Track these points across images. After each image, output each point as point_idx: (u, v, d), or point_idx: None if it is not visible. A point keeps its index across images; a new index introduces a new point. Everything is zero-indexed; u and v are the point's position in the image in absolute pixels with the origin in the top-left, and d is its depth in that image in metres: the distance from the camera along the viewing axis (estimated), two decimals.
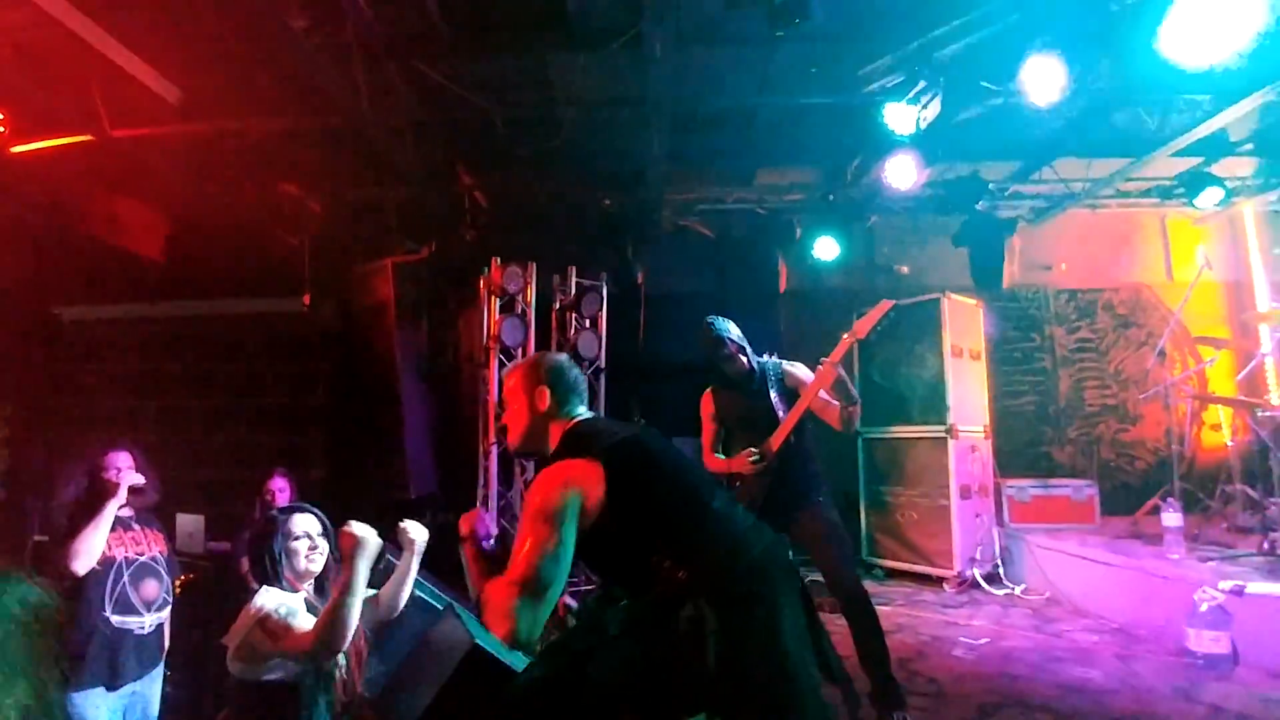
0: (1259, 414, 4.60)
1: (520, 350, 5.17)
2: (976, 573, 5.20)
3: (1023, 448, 6.19)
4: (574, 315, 5.31)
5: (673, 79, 4.05)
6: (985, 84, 3.66)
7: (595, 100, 4.66)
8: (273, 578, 2.00)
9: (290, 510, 2.11)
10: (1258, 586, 3.50)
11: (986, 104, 3.83)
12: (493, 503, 5.13)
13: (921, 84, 3.55)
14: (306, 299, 6.40)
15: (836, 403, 3.01)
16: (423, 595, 2.75)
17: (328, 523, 2.12)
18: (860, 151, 5.00)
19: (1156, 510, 4.56)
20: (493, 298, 5.08)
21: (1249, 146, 5.29)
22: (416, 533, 2.22)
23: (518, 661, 2.52)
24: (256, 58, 4.10)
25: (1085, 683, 3.35)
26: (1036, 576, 5.07)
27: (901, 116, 3.71)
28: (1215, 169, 5.55)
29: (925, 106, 3.56)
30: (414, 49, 4.30)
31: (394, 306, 6.07)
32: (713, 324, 3.13)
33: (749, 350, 3.15)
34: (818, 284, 5.97)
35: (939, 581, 5.27)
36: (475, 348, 5.44)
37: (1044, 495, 5.48)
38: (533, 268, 5.15)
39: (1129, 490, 5.68)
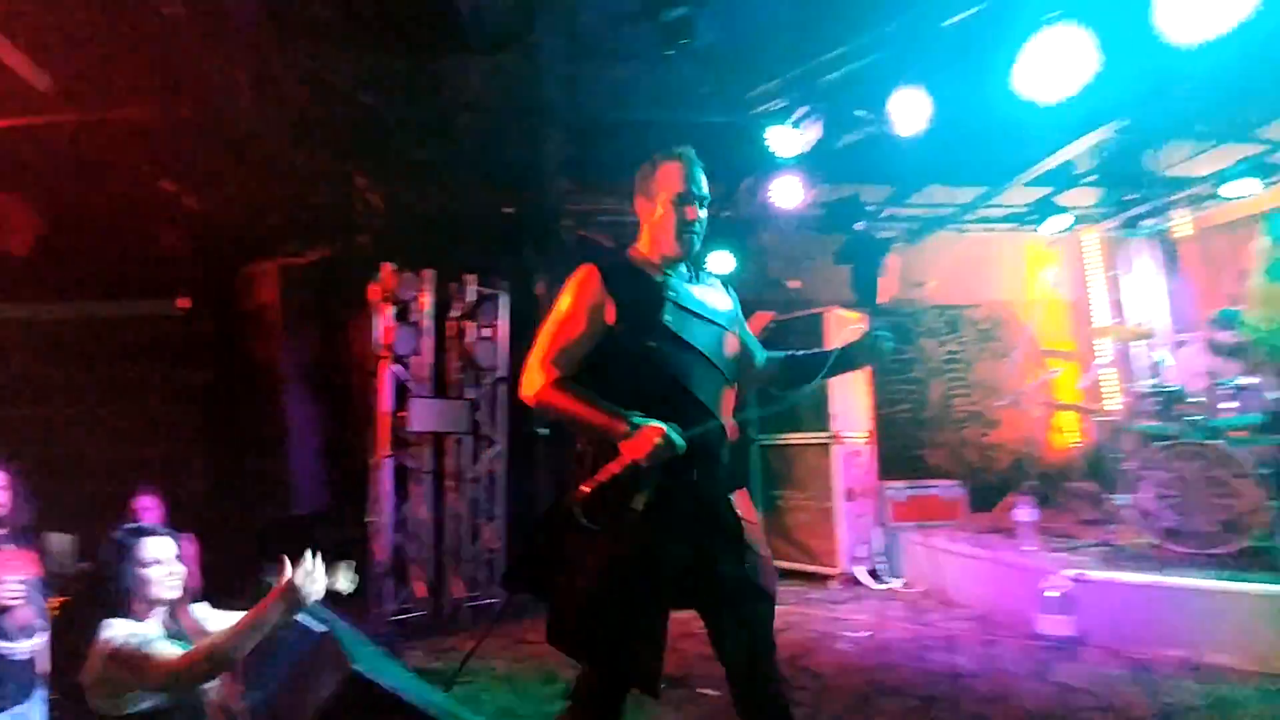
0: (1097, 419, 5.06)
1: (414, 359, 4.93)
2: (860, 570, 5.40)
3: (900, 451, 6.51)
4: (472, 324, 5.12)
5: (568, 90, 4.01)
6: (861, 112, 3.84)
7: (492, 106, 4.54)
8: (120, 607, 1.83)
9: (138, 533, 1.94)
10: (1097, 574, 3.81)
11: (863, 131, 4.02)
12: (387, 518, 4.84)
13: (803, 109, 3.67)
14: (187, 302, 5.89)
15: None
16: (300, 618, 2.56)
17: (179, 545, 1.97)
18: (753, 170, 5.12)
19: (1014, 506, 4.90)
20: (385, 305, 4.81)
21: (1093, 178, 5.84)
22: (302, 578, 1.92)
23: (399, 684, 2.38)
24: (133, 45, 3.75)
25: (952, 669, 3.52)
26: (913, 571, 5.33)
27: (783, 139, 3.83)
28: (1064, 198, 6.09)
29: (806, 130, 3.69)
30: (300, 41, 4.04)
31: (280, 312, 5.68)
32: None
33: None
34: None
35: (826, 580, 5.43)
36: (366, 356, 5.14)
37: (919, 495, 5.78)
38: (429, 275, 4.93)
39: (991, 489, 6.08)
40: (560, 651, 1.70)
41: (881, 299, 6.03)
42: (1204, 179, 5.55)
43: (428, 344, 4.97)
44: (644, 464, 1.58)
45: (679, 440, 1.59)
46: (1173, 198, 5.86)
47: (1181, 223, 6.10)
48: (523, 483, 5.37)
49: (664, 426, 1.58)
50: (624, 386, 1.69)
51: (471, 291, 5.10)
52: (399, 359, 4.85)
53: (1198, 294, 6.06)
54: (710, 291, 1.90)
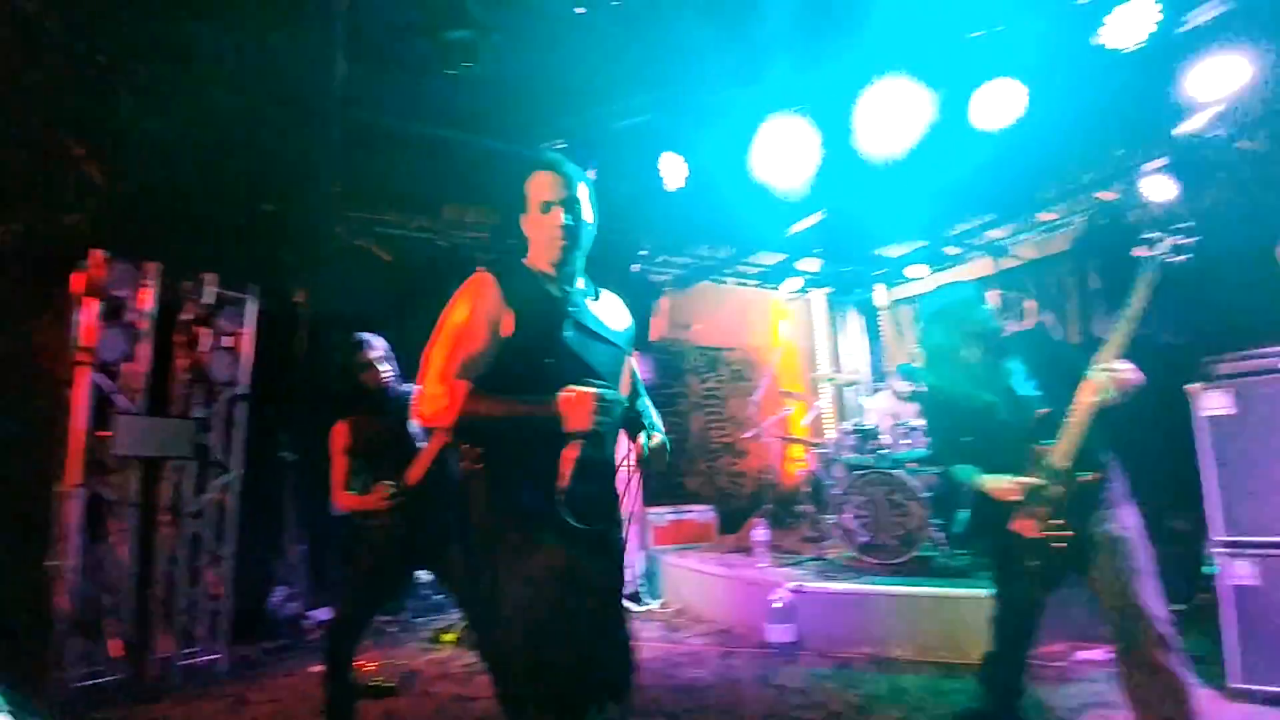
0: (817, 450, 5.77)
1: (126, 366, 3.99)
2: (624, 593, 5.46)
3: (664, 478, 6.81)
4: (208, 331, 4.31)
5: (350, 89, 3.62)
6: (636, 165, 4.04)
7: (258, 90, 3.93)
8: None
9: None
10: (812, 585, 4.27)
11: (638, 182, 4.22)
12: (74, 561, 3.80)
13: (583, 153, 3.77)
14: None
15: None
16: None
17: None
18: None
19: (753, 528, 5.35)
20: (91, 299, 3.85)
21: (818, 250, 6.79)
22: None
23: None
24: None
25: (695, 682, 3.66)
26: (670, 592, 5.54)
27: None
28: (799, 264, 6.99)
29: (585, 173, 3.78)
30: None
31: None
32: (357, 334, 2.82)
33: (394, 368, 2.86)
34: None
35: None
36: (60, 360, 4.06)
37: (678, 519, 6.08)
38: (154, 269, 4.06)
39: (739, 512, 6.62)
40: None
41: (653, 337, 6.34)
42: (893, 261, 6.77)
43: (145, 350, 4.06)
44: (591, 431, 1.50)
45: (611, 395, 1.54)
46: (874, 273, 7.06)
47: (879, 293, 7.36)
48: (260, 516, 4.58)
49: (587, 390, 1.52)
50: None
51: (210, 293, 4.30)
52: (104, 366, 3.90)
53: (889, 351, 7.31)
54: (609, 310, 1.83)
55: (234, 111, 3.93)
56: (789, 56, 3.45)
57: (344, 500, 2.77)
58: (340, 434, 2.81)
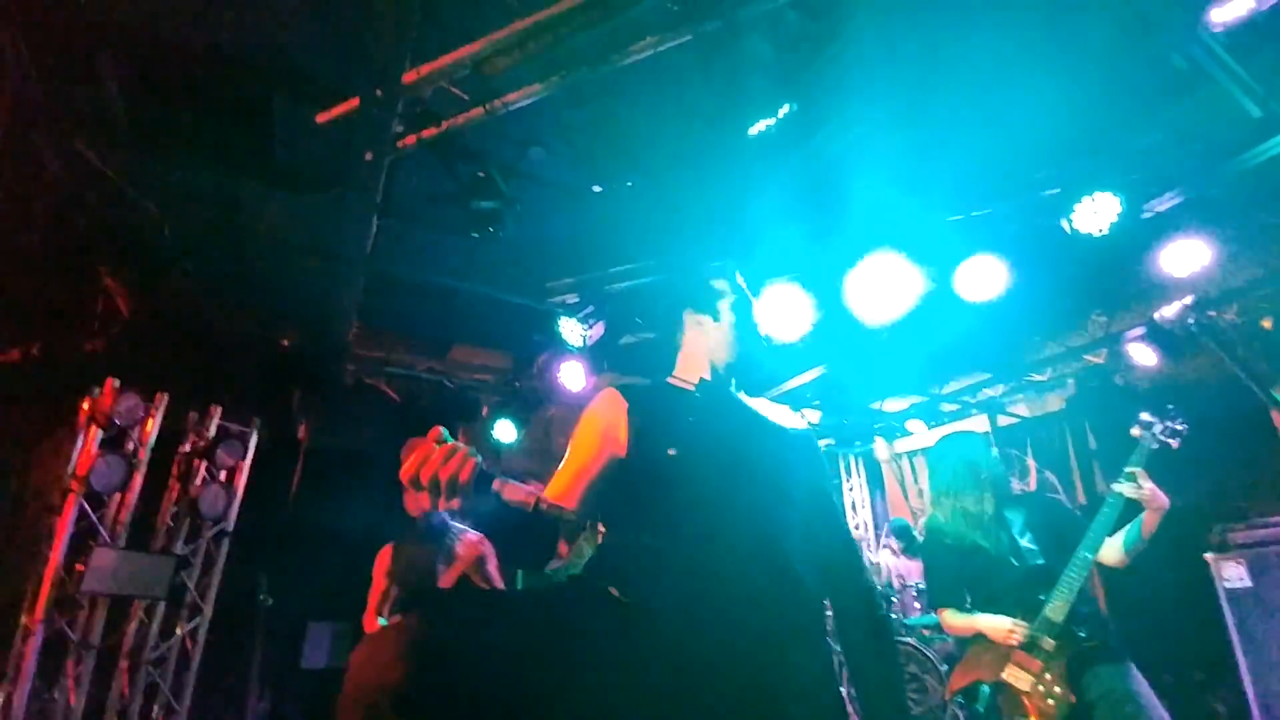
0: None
1: (116, 497, 3.85)
2: None
3: None
4: (205, 464, 4.20)
5: (371, 246, 3.79)
6: (640, 320, 4.14)
7: (289, 241, 4.14)
8: None
9: None
10: None
11: (641, 335, 4.32)
12: (20, 701, 3.45)
13: (591, 308, 3.88)
14: None
15: None
16: None
17: None
18: (547, 348, 5.17)
19: None
20: (93, 427, 3.80)
21: (817, 402, 6.74)
22: None
23: None
24: None
25: None
26: None
27: (572, 330, 3.98)
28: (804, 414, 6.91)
29: (591, 327, 3.88)
30: (74, 125, 3.43)
31: None
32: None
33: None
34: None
35: None
36: (55, 486, 3.94)
37: None
38: (162, 399, 4.05)
39: None
40: None
41: None
42: (893, 415, 6.70)
43: (138, 482, 3.95)
44: None
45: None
46: (874, 426, 6.96)
47: (880, 447, 7.20)
48: (222, 665, 4.19)
49: None
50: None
51: (214, 425, 4.25)
52: (94, 494, 3.76)
53: (892, 504, 7.03)
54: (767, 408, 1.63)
55: (267, 260, 4.11)
56: (787, 233, 3.62)
57: (373, 627, 2.55)
58: (384, 558, 2.67)
